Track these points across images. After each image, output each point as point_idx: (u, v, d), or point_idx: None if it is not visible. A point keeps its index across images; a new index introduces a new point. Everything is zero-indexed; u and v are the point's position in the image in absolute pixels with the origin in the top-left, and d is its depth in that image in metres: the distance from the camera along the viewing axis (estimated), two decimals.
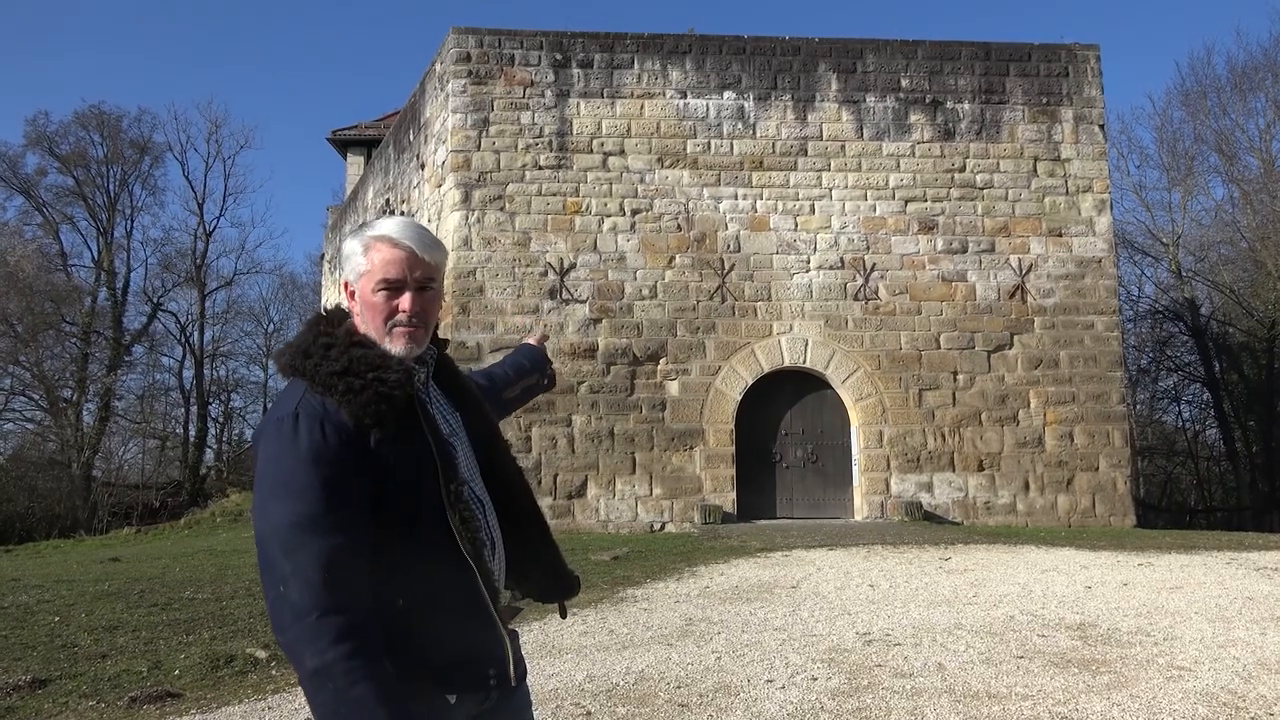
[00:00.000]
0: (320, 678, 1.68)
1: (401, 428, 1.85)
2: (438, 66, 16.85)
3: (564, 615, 2.30)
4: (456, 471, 1.92)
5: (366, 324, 1.94)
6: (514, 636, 2.06)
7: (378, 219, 2.01)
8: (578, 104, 16.03)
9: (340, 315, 2.00)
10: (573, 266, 15.60)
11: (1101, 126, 16.92)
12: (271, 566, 1.74)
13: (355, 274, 1.95)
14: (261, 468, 1.81)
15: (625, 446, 15.26)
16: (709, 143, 16.07)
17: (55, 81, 65.67)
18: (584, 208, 15.78)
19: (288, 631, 1.71)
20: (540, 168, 15.83)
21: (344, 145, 26.78)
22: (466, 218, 15.55)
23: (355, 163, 25.91)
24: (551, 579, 2.18)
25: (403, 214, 18.51)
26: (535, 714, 2.20)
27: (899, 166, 16.28)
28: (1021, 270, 16.18)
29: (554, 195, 15.79)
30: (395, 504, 1.83)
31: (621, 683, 5.45)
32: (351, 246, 1.97)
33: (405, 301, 1.91)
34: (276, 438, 1.80)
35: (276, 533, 1.74)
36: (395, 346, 1.91)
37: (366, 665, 1.68)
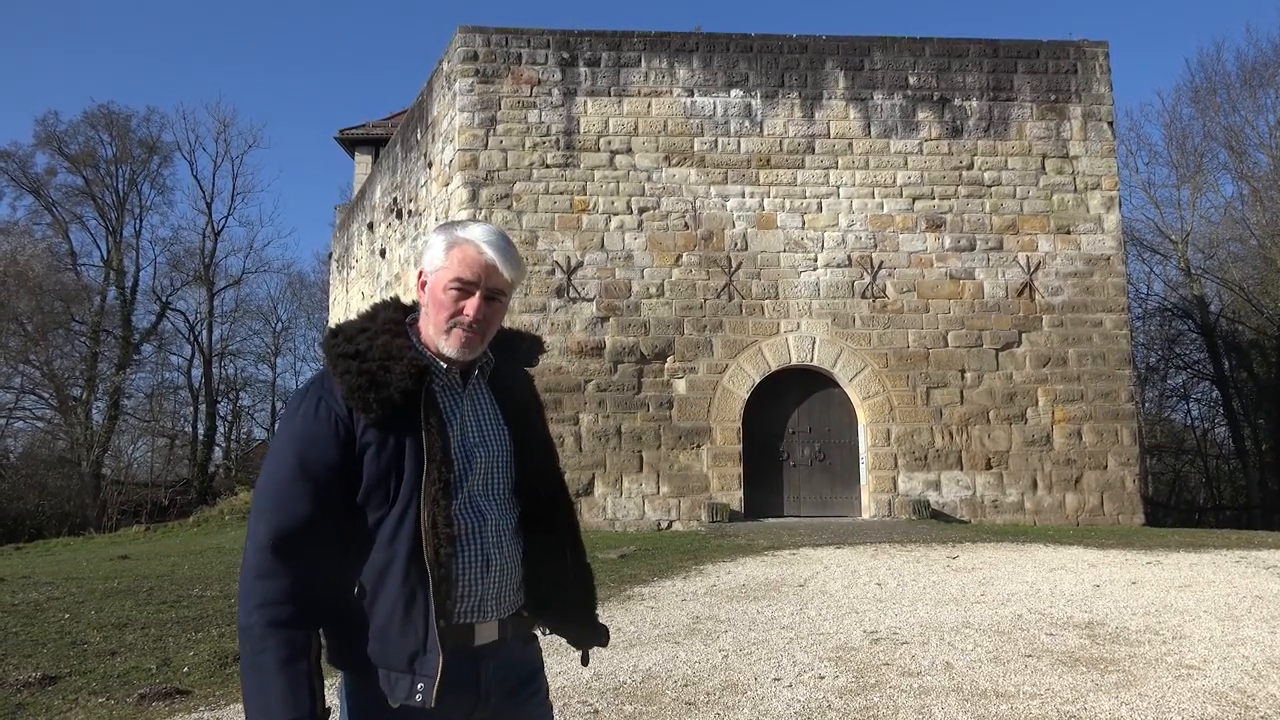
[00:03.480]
0: (241, 635, 1.82)
1: (396, 419, 1.87)
2: (445, 65, 16.87)
3: (585, 663, 2.23)
4: (445, 475, 1.88)
5: (428, 318, 1.98)
6: (513, 646, 2.01)
7: (470, 222, 2.03)
8: (585, 102, 16.03)
9: (393, 305, 2.05)
10: (580, 265, 15.61)
11: (1110, 123, 16.86)
12: (249, 523, 1.88)
13: (432, 268, 1.99)
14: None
15: (632, 445, 15.26)
16: (716, 141, 16.06)
17: (64, 81, 65.96)
18: (591, 206, 15.79)
19: (240, 585, 1.85)
20: (547, 166, 15.84)
21: (351, 144, 26.82)
22: (474, 216, 15.55)
23: (363, 162, 25.94)
24: (574, 616, 2.12)
25: (410, 213, 18.59)
26: None
27: (907, 164, 16.25)
28: (1030, 268, 16.14)
29: (561, 194, 15.80)
30: (373, 492, 1.87)
31: (629, 681, 5.45)
32: (435, 241, 2.00)
33: (471, 305, 1.94)
34: (288, 408, 1.95)
35: (255, 494, 1.89)
36: (449, 348, 1.95)
37: (278, 633, 1.78)
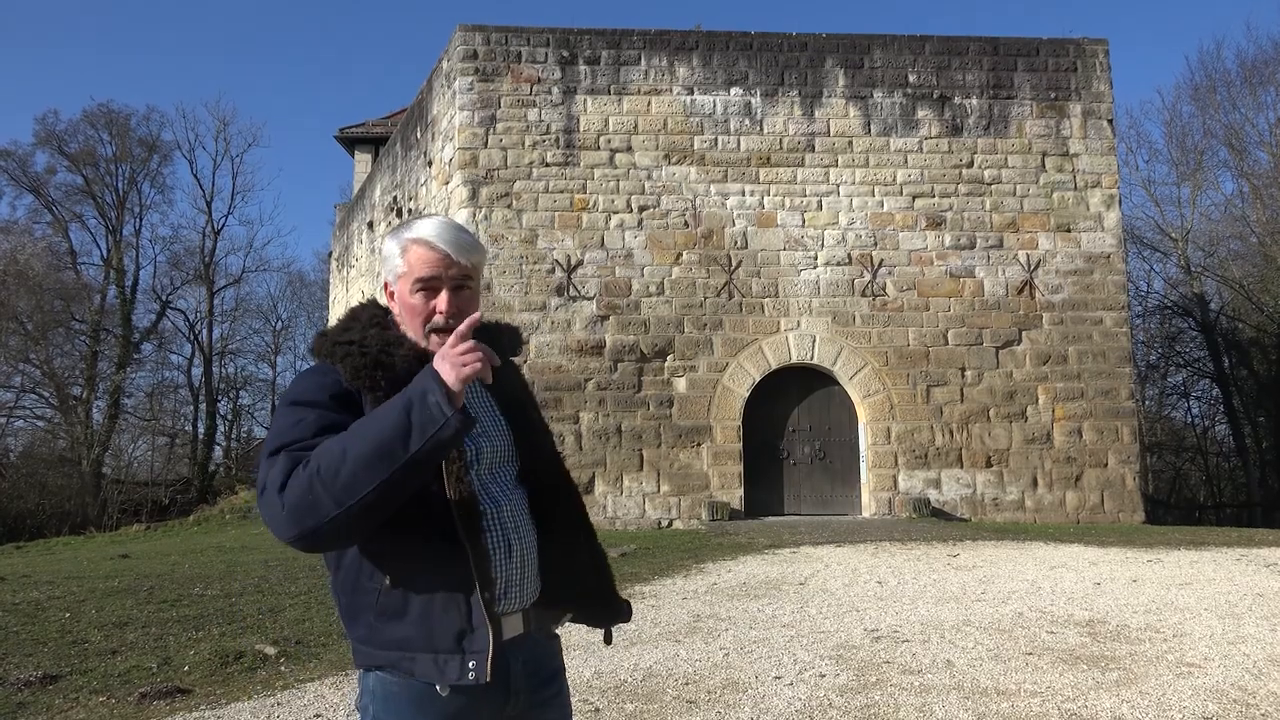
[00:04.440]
0: (315, 469, 1.72)
1: None
2: (445, 64, 16.86)
3: (608, 641, 2.21)
4: (462, 455, 1.88)
5: (406, 326, 1.98)
6: (537, 641, 2.00)
7: (416, 219, 2.02)
8: (585, 101, 16.02)
9: (372, 305, 2.05)
10: (580, 264, 15.61)
11: (1110, 121, 16.85)
12: (261, 473, 1.84)
13: (394, 275, 1.99)
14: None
15: (633, 443, 15.26)
16: (716, 139, 16.06)
17: (64, 80, 65.94)
18: (591, 205, 15.78)
19: (271, 523, 1.77)
20: (547, 165, 15.84)
21: (351, 143, 26.81)
22: (474, 215, 15.56)
23: (363, 160, 25.92)
24: (594, 596, 2.12)
25: (410, 211, 18.58)
26: None
27: (907, 162, 16.24)
28: (1030, 266, 16.13)
29: (561, 192, 15.79)
30: None
31: (629, 679, 5.46)
32: (390, 248, 2.00)
33: (442, 301, 1.94)
34: (286, 392, 1.95)
35: (262, 457, 1.85)
36: (435, 351, 1.93)
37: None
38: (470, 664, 1.81)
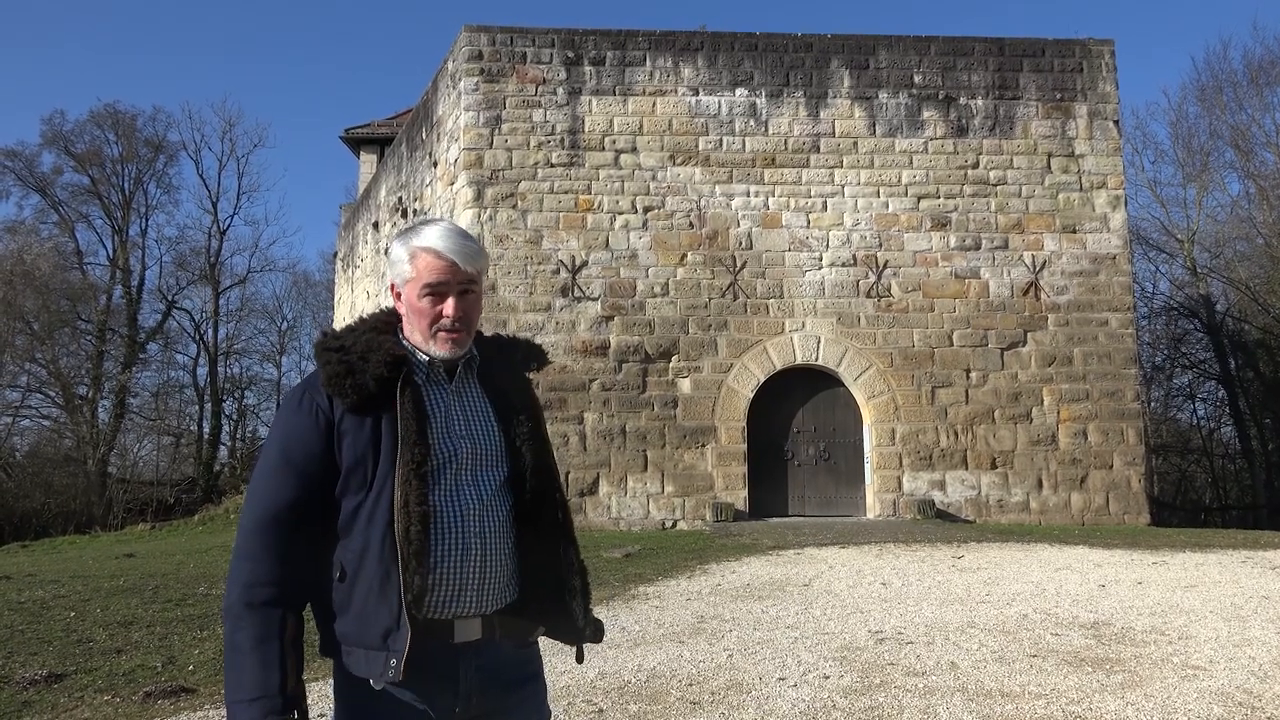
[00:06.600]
0: (223, 615, 1.94)
1: (374, 406, 1.94)
2: (450, 64, 16.88)
3: (580, 660, 2.21)
4: (419, 456, 1.92)
5: (412, 326, 2.07)
6: (501, 647, 2.01)
7: (423, 225, 2.10)
8: (590, 101, 16.03)
9: (385, 311, 2.15)
10: (585, 264, 15.61)
11: (1116, 122, 16.82)
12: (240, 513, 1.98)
13: (401, 280, 2.08)
14: None
15: (637, 444, 15.26)
16: (721, 140, 16.05)
17: (70, 80, 66.05)
18: (596, 205, 15.78)
19: (229, 568, 1.98)
20: (552, 165, 15.84)
21: (357, 143, 26.84)
22: (479, 215, 15.57)
23: (368, 161, 25.95)
24: (567, 612, 2.10)
25: (415, 212, 18.60)
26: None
27: (912, 163, 16.23)
28: (1035, 267, 16.10)
29: (566, 193, 15.80)
30: (351, 476, 1.93)
31: (633, 680, 5.46)
32: (398, 253, 2.08)
33: (449, 307, 2.03)
34: (282, 403, 2.08)
35: (251, 483, 2.00)
36: (440, 350, 2.04)
37: (255, 613, 1.87)
38: (391, 662, 1.87)
